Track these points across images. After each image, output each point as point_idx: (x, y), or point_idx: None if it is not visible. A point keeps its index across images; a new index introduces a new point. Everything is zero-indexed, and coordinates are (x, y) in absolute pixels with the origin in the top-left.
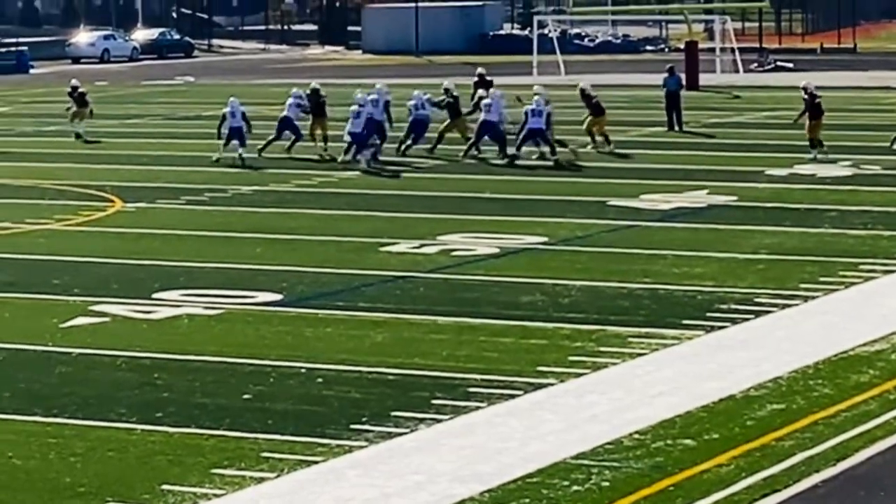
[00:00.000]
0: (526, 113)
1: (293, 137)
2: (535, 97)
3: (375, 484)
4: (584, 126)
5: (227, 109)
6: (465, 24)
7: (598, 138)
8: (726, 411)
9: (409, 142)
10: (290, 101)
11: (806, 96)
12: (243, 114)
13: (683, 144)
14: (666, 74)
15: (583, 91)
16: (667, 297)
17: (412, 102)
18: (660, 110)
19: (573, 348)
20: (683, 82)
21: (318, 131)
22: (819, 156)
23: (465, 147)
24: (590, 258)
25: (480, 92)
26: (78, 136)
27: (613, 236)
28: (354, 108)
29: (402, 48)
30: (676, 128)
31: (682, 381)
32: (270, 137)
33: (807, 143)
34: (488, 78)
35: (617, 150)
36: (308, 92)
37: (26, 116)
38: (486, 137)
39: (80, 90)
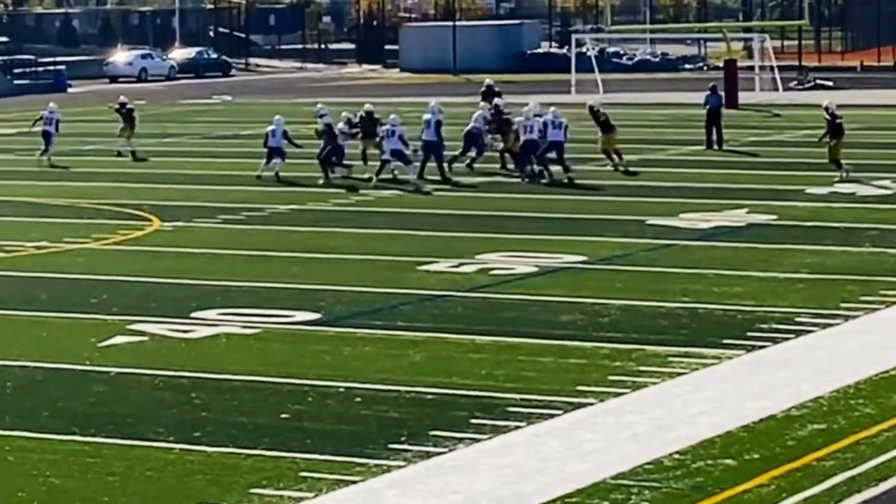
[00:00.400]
0: (545, 124)
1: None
2: (527, 113)
3: None
4: (600, 147)
5: (270, 127)
6: (502, 42)
7: (613, 157)
8: (767, 431)
9: (472, 155)
10: (340, 124)
11: (828, 116)
12: (285, 132)
13: (723, 163)
14: (708, 92)
15: (591, 108)
16: (707, 316)
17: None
18: (699, 129)
19: (613, 368)
20: (724, 100)
21: (369, 152)
22: (843, 174)
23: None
24: (629, 277)
25: (482, 104)
26: (120, 153)
27: (653, 255)
28: (387, 126)
29: (440, 67)
30: (716, 146)
31: (723, 401)
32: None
33: (839, 162)
34: (496, 90)
35: (630, 169)
36: (363, 114)
37: (64, 135)
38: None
39: (128, 106)
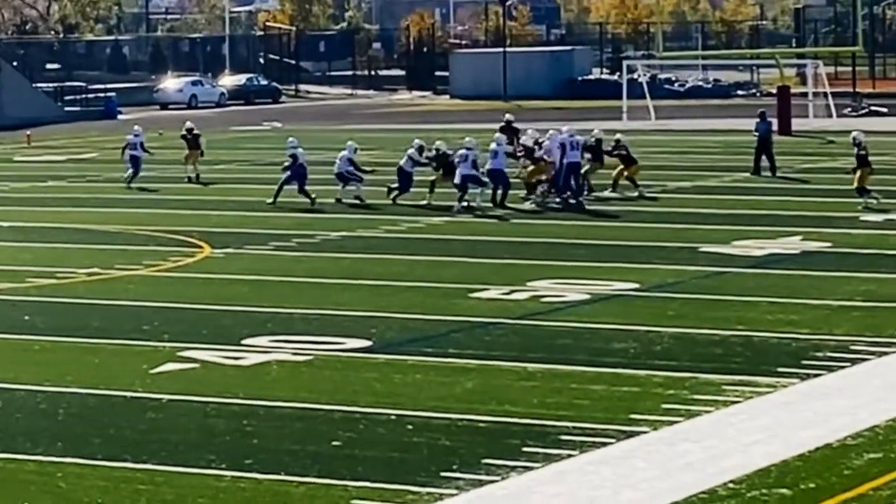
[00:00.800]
0: (563, 145)
1: (399, 186)
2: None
3: None
4: (623, 175)
5: (342, 153)
6: (553, 68)
7: (622, 182)
8: (823, 460)
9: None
10: (412, 150)
11: (856, 147)
12: (350, 159)
13: (776, 190)
14: (757, 119)
15: (617, 142)
16: (761, 344)
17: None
18: (752, 155)
19: (666, 396)
20: (775, 127)
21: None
22: (870, 201)
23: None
24: (682, 305)
25: (498, 136)
26: (190, 179)
27: (706, 283)
28: (462, 151)
29: (490, 93)
30: (770, 173)
31: (778, 430)
32: (394, 186)
33: (865, 190)
34: (515, 125)
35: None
36: (438, 152)
37: (115, 162)
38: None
39: (194, 132)
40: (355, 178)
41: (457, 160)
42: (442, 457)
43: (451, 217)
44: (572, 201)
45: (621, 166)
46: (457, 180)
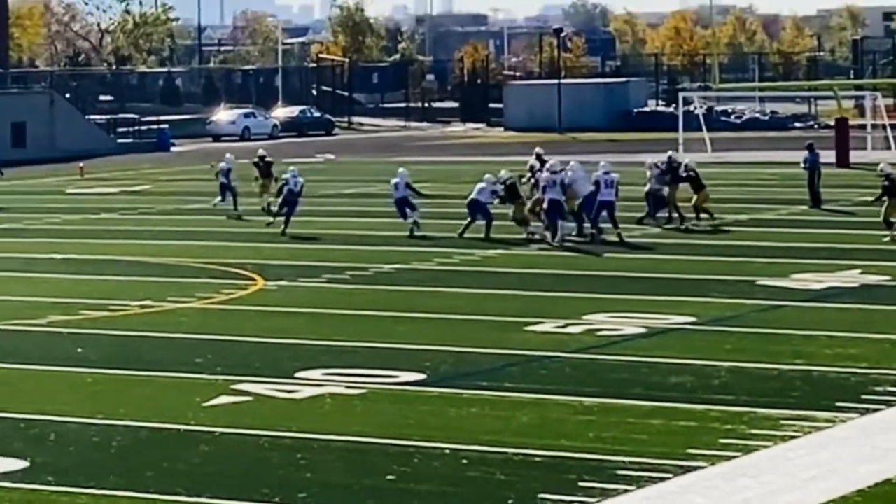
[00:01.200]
0: (597, 182)
1: (486, 222)
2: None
3: None
4: (693, 203)
5: (394, 180)
6: (608, 100)
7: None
8: (883, 496)
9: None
10: (482, 185)
11: (883, 178)
12: (407, 184)
13: (834, 223)
14: (806, 152)
15: (686, 167)
16: (820, 378)
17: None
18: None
19: (724, 431)
20: (831, 159)
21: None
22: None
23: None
24: (740, 338)
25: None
26: (264, 210)
27: (764, 316)
28: (546, 175)
29: (545, 125)
30: (816, 205)
31: (837, 465)
32: (466, 222)
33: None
34: (545, 157)
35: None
36: (508, 181)
37: (167, 194)
38: (604, 214)
39: (266, 159)
40: (412, 207)
41: (544, 183)
42: (497, 491)
43: (506, 249)
44: (589, 233)
45: (694, 195)
46: (545, 204)
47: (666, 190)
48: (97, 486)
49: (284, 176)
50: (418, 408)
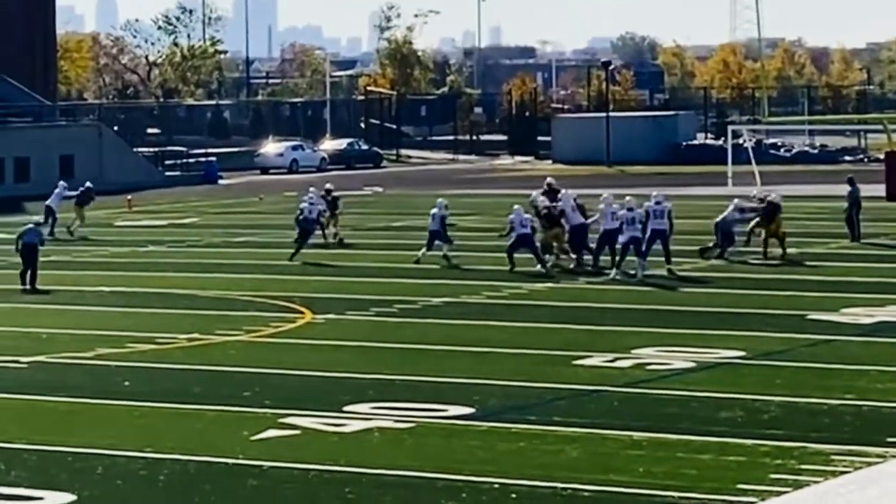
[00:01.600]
0: (647, 213)
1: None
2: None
3: None
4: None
5: (433, 210)
6: (657, 133)
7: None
8: None
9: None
10: (512, 216)
11: None
12: (442, 218)
13: (885, 257)
14: (848, 187)
15: (769, 200)
16: (871, 413)
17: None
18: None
19: (774, 466)
20: (880, 192)
21: (555, 244)
22: None
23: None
24: (790, 373)
25: (542, 199)
26: (333, 242)
27: (814, 351)
28: (624, 212)
29: (593, 158)
30: (854, 238)
31: (888, 500)
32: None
33: None
34: (556, 187)
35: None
36: (545, 210)
37: (215, 227)
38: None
39: (333, 193)
40: (446, 240)
41: (622, 220)
42: None
43: (555, 283)
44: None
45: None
46: (622, 239)
47: (738, 227)
48: None
49: (302, 205)
50: (467, 442)
